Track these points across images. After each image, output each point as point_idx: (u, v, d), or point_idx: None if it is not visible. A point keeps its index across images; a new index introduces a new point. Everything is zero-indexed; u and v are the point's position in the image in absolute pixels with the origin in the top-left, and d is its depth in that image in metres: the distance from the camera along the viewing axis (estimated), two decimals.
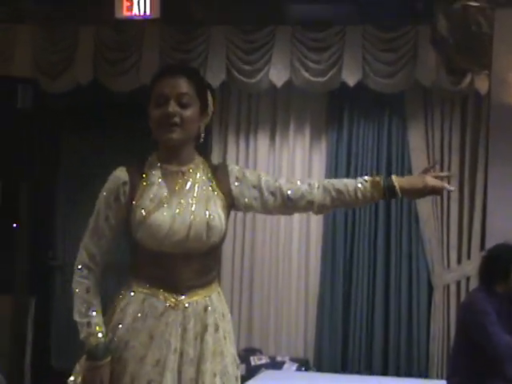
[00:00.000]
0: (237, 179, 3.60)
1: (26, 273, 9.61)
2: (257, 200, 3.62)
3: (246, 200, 3.61)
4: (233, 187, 3.59)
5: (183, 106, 3.44)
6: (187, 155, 3.55)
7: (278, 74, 8.87)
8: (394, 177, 3.69)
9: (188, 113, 3.45)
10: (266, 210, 3.68)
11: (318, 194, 3.64)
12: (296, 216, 8.50)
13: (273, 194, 3.62)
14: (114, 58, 9.12)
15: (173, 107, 3.41)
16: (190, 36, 8.99)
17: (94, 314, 3.41)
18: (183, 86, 3.47)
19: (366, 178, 3.69)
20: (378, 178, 3.68)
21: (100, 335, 3.39)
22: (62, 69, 9.06)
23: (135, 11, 8.42)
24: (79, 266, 3.46)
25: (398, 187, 3.62)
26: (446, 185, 3.74)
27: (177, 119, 3.42)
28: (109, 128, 9.53)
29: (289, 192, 3.62)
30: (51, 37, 9.07)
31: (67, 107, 8.89)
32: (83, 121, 9.53)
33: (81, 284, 3.43)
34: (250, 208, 3.65)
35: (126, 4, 8.39)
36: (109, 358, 3.39)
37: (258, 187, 3.62)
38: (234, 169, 3.65)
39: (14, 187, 8.22)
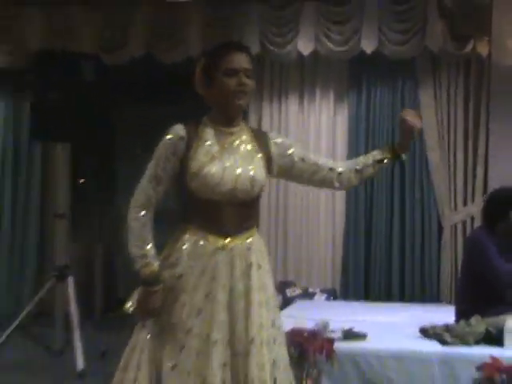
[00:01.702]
0: (275, 145, 3.62)
1: (96, 223, 9.74)
2: (288, 165, 3.66)
3: (281, 164, 3.64)
4: (272, 151, 3.60)
5: (248, 77, 3.47)
6: (237, 119, 3.58)
7: (304, 45, 8.94)
8: (395, 143, 3.76)
9: (251, 84, 3.50)
10: (297, 176, 3.75)
11: (344, 169, 3.71)
12: None
13: (303, 160, 3.67)
14: (164, 33, 9.13)
15: (244, 79, 3.45)
16: (228, 13, 9.05)
17: (149, 247, 3.41)
18: (248, 61, 3.50)
19: (376, 155, 3.73)
20: (383, 158, 3.72)
21: (153, 265, 3.39)
22: (119, 45, 9.15)
23: None
24: (137, 205, 3.45)
25: (397, 148, 3.72)
26: (416, 123, 3.69)
27: (246, 88, 3.47)
28: (159, 94, 9.60)
29: (319, 162, 3.70)
30: (110, 18, 9.16)
31: (124, 78, 8.96)
32: (137, 90, 9.62)
33: (138, 221, 3.42)
34: (282, 173, 3.70)
35: None
36: (160, 286, 3.39)
37: (291, 155, 3.65)
38: (272, 136, 3.69)
39: (82, 148, 8.23)
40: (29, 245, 9.78)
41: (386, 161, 3.72)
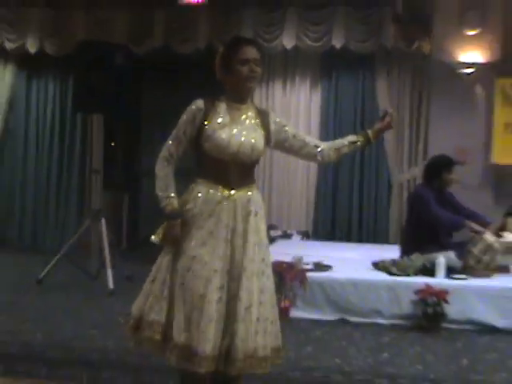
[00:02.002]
0: (274, 123, 3.60)
1: (123, 177, 9.77)
2: (283, 141, 3.64)
3: (277, 138, 3.62)
4: (271, 127, 3.58)
5: (257, 66, 3.46)
6: (247, 98, 3.57)
7: (288, 41, 8.93)
8: (369, 131, 3.72)
9: (259, 70, 3.48)
10: (287, 149, 3.70)
11: (325, 147, 3.68)
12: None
13: (294, 136, 3.65)
14: (178, 29, 9.09)
15: (254, 67, 3.44)
16: (228, 15, 8.99)
17: (171, 190, 3.45)
18: (256, 52, 3.48)
19: (349, 137, 3.73)
20: (357, 136, 3.72)
21: (175, 204, 3.43)
22: (144, 38, 9.12)
23: None
24: (163, 158, 3.48)
25: (371, 137, 3.70)
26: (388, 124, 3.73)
27: (256, 74, 3.47)
28: (175, 77, 9.58)
29: (303, 137, 3.70)
30: (137, 16, 9.14)
31: (148, 64, 8.96)
32: (158, 73, 9.61)
33: (163, 170, 3.47)
34: (277, 145, 3.67)
35: None
36: (179, 220, 3.41)
37: (286, 132, 3.63)
38: (272, 116, 3.65)
39: (113, 119, 8.24)
40: (71, 193, 9.81)
41: (359, 143, 3.71)
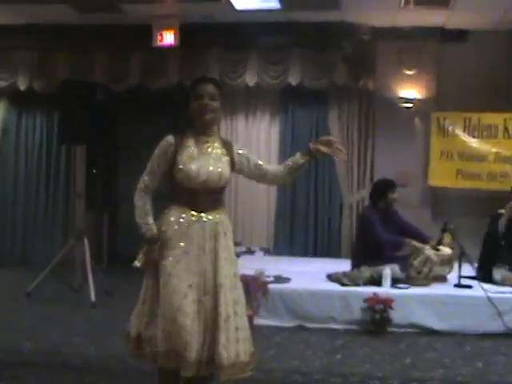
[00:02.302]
0: (237, 154, 3.59)
1: (103, 200, 9.72)
2: (245, 167, 3.62)
3: (240, 166, 3.61)
4: (235, 156, 3.58)
5: (212, 100, 3.46)
6: (211, 131, 3.55)
7: (250, 78, 8.94)
8: (310, 143, 3.66)
9: (215, 104, 3.47)
10: (248, 174, 3.67)
11: (279, 170, 3.67)
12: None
13: (255, 166, 3.64)
14: (152, 69, 9.08)
15: (207, 101, 3.44)
16: (197, 55, 8.97)
17: (149, 217, 3.44)
18: (213, 88, 3.48)
19: (299, 159, 3.63)
20: (302, 160, 3.63)
21: (153, 230, 3.42)
22: (121, 77, 9.10)
23: (164, 41, 8.46)
24: (140, 190, 3.46)
25: (312, 149, 3.61)
26: (339, 154, 3.66)
27: (208, 107, 3.44)
28: (148, 110, 9.57)
29: (263, 166, 3.66)
30: (115, 58, 9.11)
31: (124, 99, 8.93)
32: (133, 107, 9.58)
33: (141, 200, 3.45)
34: (240, 171, 3.63)
35: (159, 37, 8.44)
36: (158, 244, 3.40)
37: (247, 158, 3.63)
38: (236, 146, 3.64)
39: (94, 149, 8.25)
40: (57, 214, 9.70)
41: (306, 163, 3.65)
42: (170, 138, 3.49)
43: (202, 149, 3.51)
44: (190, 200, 3.47)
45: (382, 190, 6.60)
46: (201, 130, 3.53)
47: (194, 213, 3.46)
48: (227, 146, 3.62)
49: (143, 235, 3.46)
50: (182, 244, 3.41)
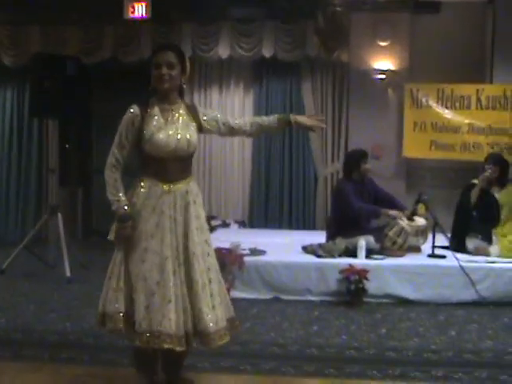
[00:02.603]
0: (203, 114, 3.57)
1: (77, 174, 9.63)
2: (214, 127, 3.59)
3: (208, 127, 3.58)
4: (201, 119, 3.55)
5: (170, 68, 3.39)
6: (174, 98, 3.49)
7: (223, 51, 8.87)
8: (291, 115, 3.71)
9: (173, 73, 3.41)
10: (219, 133, 3.65)
11: (249, 126, 3.66)
12: (236, 138, 8.59)
13: (224, 124, 3.61)
14: (124, 42, 9.00)
15: (164, 70, 3.38)
16: (169, 29, 8.90)
17: (121, 194, 3.40)
18: (171, 56, 3.40)
19: (276, 115, 3.70)
20: (281, 116, 3.70)
21: (125, 207, 3.38)
22: (93, 50, 9.00)
23: (136, 13, 8.35)
24: (110, 165, 3.42)
25: (292, 120, 3.66)
26: (319, 123, 3.76)
27: (166, 76, 3.39)
28: (121, 84, 9.46)
29: (232, 124, 3.63)
30: (87, 31, 9.00)
31: (97, 73, 8.81)
32: (106, 81, 9.46)
33: (111, 176, 3.41)
34: (210, 132, 3.62)
35: (130, 9, 8.32)
36: (130, 221, 3.37)
37: (215, 120, 3.59)
38: (201, 108, 3.64)
39: (66, 123, 8.16)
40: (30, 191, 9.59)
41: (277, 121, 3.67)
42: (135, 109, 3.44)
43: (167, 117, 3.47)
44: (159, 170, 3.44)
45: (355, 160, 6.62)
46: (163, 98, 3.49)
47: (163, 184, 3.43)
48: (192, 111, 3.58)
49: (115, 212, 3.42)
50: (153, 217, 3.39)
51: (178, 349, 3.30)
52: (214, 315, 3.38)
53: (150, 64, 3.45)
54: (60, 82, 7.07)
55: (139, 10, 8.32)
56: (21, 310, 5.52)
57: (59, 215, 7.06)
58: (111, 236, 3.46)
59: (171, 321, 3.28)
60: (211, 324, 3.34)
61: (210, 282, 3.43)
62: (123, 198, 3.42)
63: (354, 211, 6.36)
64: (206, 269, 3.44)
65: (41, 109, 7.17)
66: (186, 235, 3.42)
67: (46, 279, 6.77)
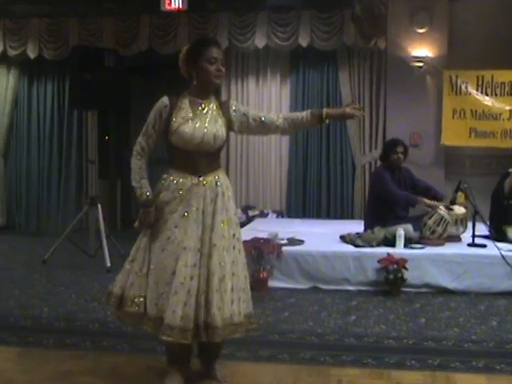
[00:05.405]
0: (234, 111, 3.55)
1: (116, 166, 9.72)
2: (243, 123, 3.57)
3: (237, 122, 3.56)
4: (231, 114, 3.54)
5: (222, 65, 3.42)
6: (208, 92, 3.50)
7: (259, 41, 8.86)
8: (324, 109, 3.62)
9: (224, 70, 3.44)
10: (249, 130, 3.63)
11: (282, 121, 3.59)
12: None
13: (254, 120, 3.57)
14: (161, 33, 9.05)
15: (220, 66, 3.40)
16: (206, 19, 8.94)
17: (144, 181, 3.42)
18: (221, 53, 3.44)
19: (310, 110, 3.62)
20: (315, 110, 3.61)
21: (148, 193, 3.40)
22: (130, 41, 9.07)
23: (173, 5, 8.36)
24: (136, 153, 3.45)
25: (324, 114, 3.56)
26: (357, 112, 3.65)
27: (222, 73, 3.43)
28: (159, 76, 9.52)
29: (263, 119, 3.59)
30: (124, 23, 9.08)
31: (135, 65, 8.89)
32: (144, 73, 9.53)
33: (136, 164, 3.43)
34: (240, 129, 3.60)
35: (167, 1, 8.33)
36: (153, 207, 3.39)
37: (245, 115, 3.57)
38: (232, 104, 3.59)
39: (105, 114, 8.25)
40: (71, 182, 9.74)
41: (309, 118, 3.59)
42: (165, 99, 3.45)
43: (196, 110, 3.46)
44: (187, 163, 3.45)
45: (387, 149, 6.63)
46: (201, 92, 3.49)
47: (192, 176, 3.43)
48: (223, 106, 3.57)
49: (138, 199, 3.44)
50: (180, 208, 3.40)
51: (183, 341, 3.29)
52: (229, 309, 3.36)
53: (194, 55, 3.43)
54: (99, 74, 7.18)
55: (176, 2, 8.33)
56: (62, 299, 5.60)
57: (99, 206, 7.15)
58: (136, 224, 3.48)
59: (175, 313, 3.27)
60: (219, 318, 3.31)
61: (233, 275, 3.41)
62: (146, 185, 3.44)
63: (392, 196, 6.34)
64: (231, 262, 3.41)
65: (81, 101, 7.27)
66: (211, 227, 3.41)
67: (87, 269, 6.86)
